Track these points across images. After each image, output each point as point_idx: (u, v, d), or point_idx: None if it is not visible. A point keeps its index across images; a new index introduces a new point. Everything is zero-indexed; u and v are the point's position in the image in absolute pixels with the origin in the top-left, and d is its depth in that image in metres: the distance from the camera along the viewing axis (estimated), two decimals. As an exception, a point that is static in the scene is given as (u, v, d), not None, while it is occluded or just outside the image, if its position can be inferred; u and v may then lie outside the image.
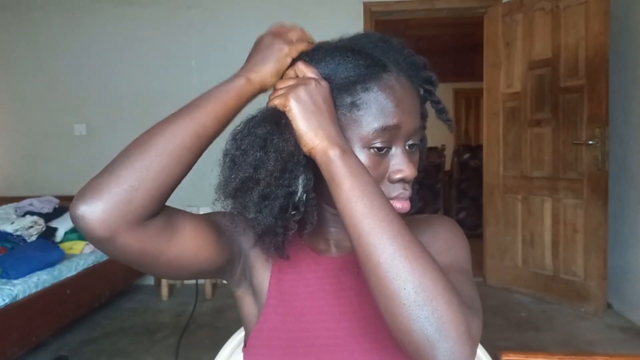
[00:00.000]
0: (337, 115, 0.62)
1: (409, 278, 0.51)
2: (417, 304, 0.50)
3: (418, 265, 0.51)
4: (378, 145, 0.62)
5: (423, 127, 0.70)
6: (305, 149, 0.59)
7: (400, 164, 0.64)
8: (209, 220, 0.66)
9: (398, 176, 0.64)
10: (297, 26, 0.67)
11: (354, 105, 0.62)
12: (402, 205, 0.65)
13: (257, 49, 0.65)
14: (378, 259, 0.52)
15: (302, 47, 0.65)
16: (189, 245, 0.62)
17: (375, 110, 0.62)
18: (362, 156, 0.62)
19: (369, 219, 0.53)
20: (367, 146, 0.62)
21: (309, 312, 0.69)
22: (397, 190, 0.65)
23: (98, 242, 0.55)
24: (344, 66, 0.63)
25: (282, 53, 0.63)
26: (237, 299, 0.75)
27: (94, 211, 0.53)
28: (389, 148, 0.64)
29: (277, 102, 0.60)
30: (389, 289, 0.51)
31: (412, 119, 0.64)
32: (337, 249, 0.73)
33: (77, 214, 0.53)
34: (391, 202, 0.64)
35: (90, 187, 0.54)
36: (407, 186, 0.66)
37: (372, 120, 0.62)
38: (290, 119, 0.59)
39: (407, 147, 0.65)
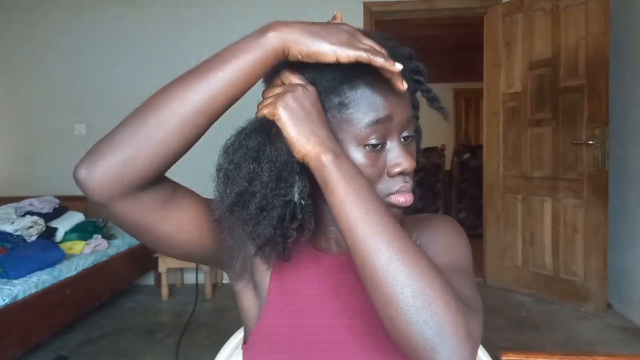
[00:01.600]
0: (328, 117, 0.61)
1: (406, 282, 0.50)
2: (415, 308, 0.50)
3: (415, 269, 0.51)
4: (373, 141, 0.62)
5: (416, 118, 0.69)
6: (298, 156, 0.58)
7: (397, 157, 0.64)
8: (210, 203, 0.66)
9: (397, 170, 0.64)
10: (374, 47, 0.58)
11: (342, 104, 0.61)
12: (404, 198, 0.64)
13: (322, 25, 0.57)
14: (374, 264, 0.52)
15: (362, 56, 0.55)
16: (185, 226, 0.62)
17: (364, 106, 0.61)
18: (358, 154, 0.62)
19: (364, 224, 0.53)
20: (362, 144, 0.62)
21: (310, 309, 0.69)
22: (398, 184, 0.65)
23: (97, 206, 0.56)
24: (327, 68, 0.61)
25: (328, 47, 0.55)
26: (237, 294, 0.74)
27: (92, 176, 0.54)
28: (384, 143, 0.64)
29: (265, 111, 0.59)
30: (386, 293, 0.51)
31: (403, 110, 0.64)
32: (337, 247, 0.73)
33: (77, 177, 0.54)
34: (393, 196, 0.64)
35: (91, 153, 0.55)
36: (407, 179, 0.65)
37: (363, 116, 0.61)
38: (280, 127, 0.58)
39: (402, 140, 0.65)
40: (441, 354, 0.49)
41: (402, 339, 0.51)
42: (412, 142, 0.67)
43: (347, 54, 0.55)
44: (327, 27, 0.57)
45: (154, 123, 0.54)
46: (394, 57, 0.62)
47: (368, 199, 0.55)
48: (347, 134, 0.62)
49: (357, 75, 0.61)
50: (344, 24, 0.59)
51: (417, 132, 0.70)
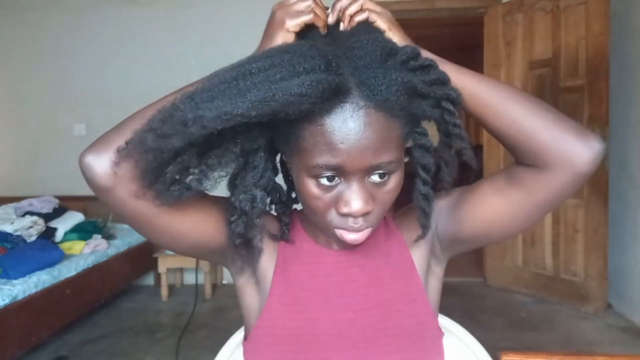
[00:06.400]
0: (294, 141, 0.59)
1: (547, 110, 0.62)
2: (559, 119, 0.61)
3: (550, 108, 0.63)
4: (324, 181, 0.59)
5: (425, 135, 0.66)
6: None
7: (347, 197, 0.59)
8: (218, 201, 0.67)
9: (344, 210, 0.59)
10: None
11: (298, 136, 0.58)
12: (351, 237, 0.61)
13: (266, 26, 0.64)
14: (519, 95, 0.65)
15: (306, 19, 0.61)
16: (189, 216, 0.62)
17: (319, 146, 0.56)
18: (310, 183, 0.59)
19: (502, 90, 0.66)
20: (314, 176, 0.59)
21: (313, 303, 0.70)
22: (346, 222, 0.61)
23: (99, 191, 0.57)
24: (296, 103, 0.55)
25: (283, 28, 0.61)
26: (238, 290, 0.75)
27: (100, 162, 0.55)
28: (339, 180, 0.59)
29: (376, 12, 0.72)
30: (532, 109, 0.62)
31: (365, 158, 0.56)
32: (337, 245, 0.73)
33: (84, 162, 0.56)
34: (340, 231, 0.61)
35: (101, 140, 0.57)
36: (358, 220, 0.60)
37: (316, 156, 0.57)
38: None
39: (367, 180, 0.59)
40: (586, 146, 0.58)
41: (548, 142, 0.59)
42: (388, 179, 0.60)
43: (294, 23, 0.61)
44: (268, 24, 0.63)
45: None
46: (426, 83, 0.64)
47: (490, 79, 0.69)
48: (301, 163, 0.59)
49: (319, 113, 0.56)
50: (272, 13, 0.63)
51: (427, 147, 0.66)
